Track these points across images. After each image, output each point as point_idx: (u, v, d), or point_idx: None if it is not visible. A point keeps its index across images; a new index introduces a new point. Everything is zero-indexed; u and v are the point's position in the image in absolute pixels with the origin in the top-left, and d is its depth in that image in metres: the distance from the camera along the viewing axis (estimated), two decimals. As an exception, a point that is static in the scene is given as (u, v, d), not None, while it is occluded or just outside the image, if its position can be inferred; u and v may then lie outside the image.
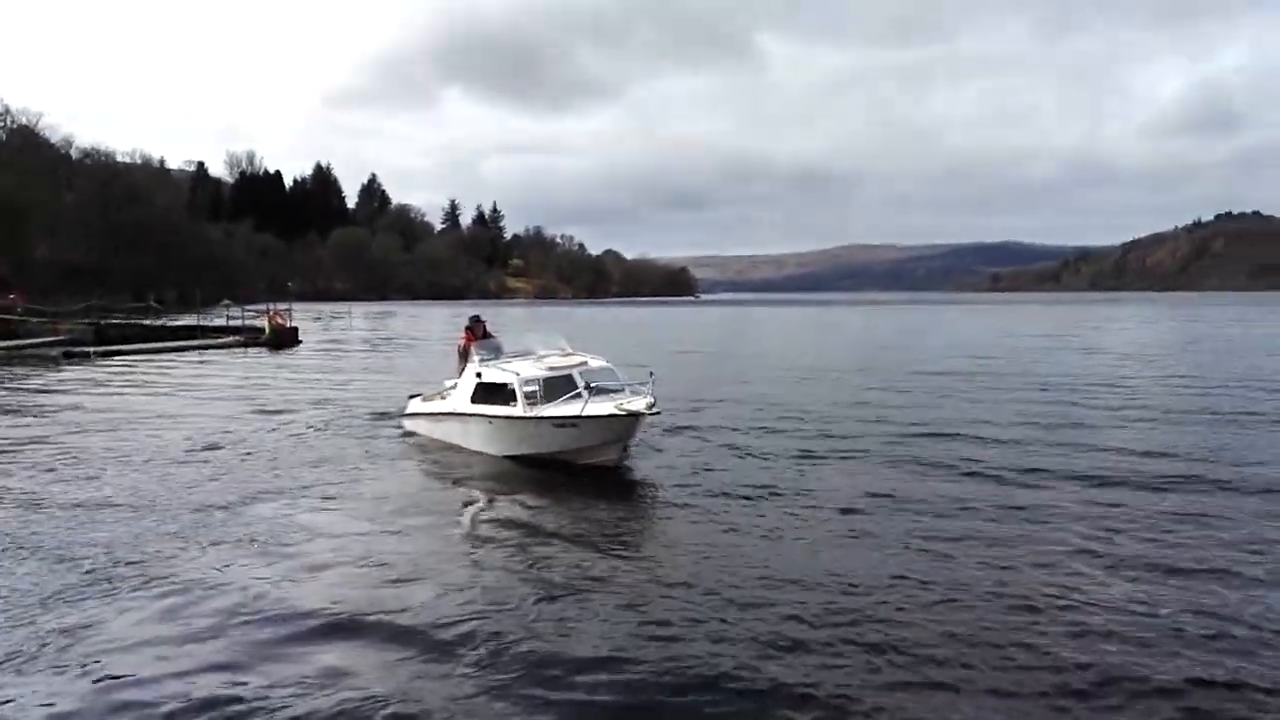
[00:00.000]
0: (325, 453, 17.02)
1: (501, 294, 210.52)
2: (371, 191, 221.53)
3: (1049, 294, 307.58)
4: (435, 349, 49.41)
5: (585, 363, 15.81)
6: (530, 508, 12.80)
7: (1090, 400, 23.85)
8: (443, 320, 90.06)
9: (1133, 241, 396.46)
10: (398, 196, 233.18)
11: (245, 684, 7.32)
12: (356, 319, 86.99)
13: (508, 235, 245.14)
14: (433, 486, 14.52)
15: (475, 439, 16.05)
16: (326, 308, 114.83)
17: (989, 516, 11.86)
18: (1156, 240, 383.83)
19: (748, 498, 13.01)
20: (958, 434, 18.18)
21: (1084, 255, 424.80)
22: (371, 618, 8.62)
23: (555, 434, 14.66)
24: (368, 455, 16.73)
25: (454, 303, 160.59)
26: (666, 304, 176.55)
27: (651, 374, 14.86)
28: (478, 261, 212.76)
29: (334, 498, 13.45)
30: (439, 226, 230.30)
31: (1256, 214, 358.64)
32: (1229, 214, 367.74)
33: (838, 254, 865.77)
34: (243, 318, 57.47)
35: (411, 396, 19.33)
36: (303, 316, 68.16)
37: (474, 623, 8.49)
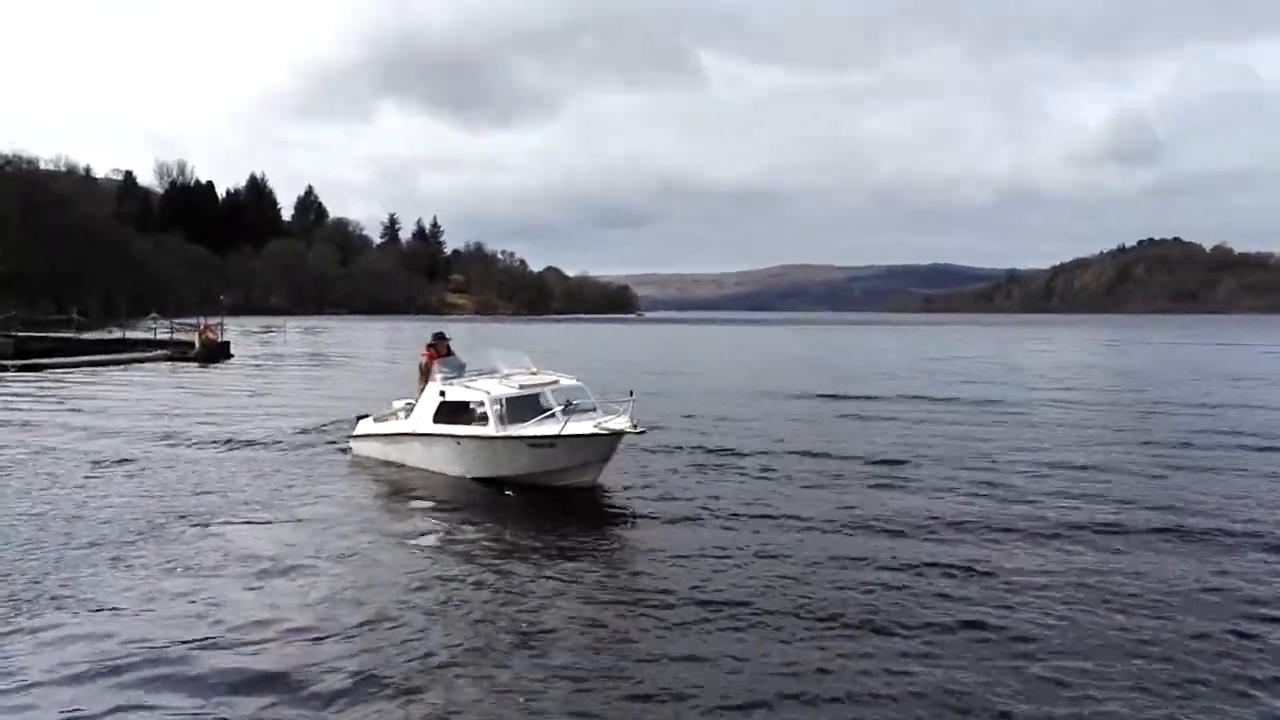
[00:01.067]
0: (260, 471, 16.32)
1: (442, 310, 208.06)
2: (308, 204, 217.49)
3: (982, 314, 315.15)
4: (373, 365, 48.41)
5: (556, 381, 15.27)
6: (493, 530, 12.29)
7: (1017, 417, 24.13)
8: (381, 336, 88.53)
9: (1060, 265, 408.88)
10: (335, 210, 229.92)
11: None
12: (292, 334, 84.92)
13: (448, 250, 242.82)
14: (378, 507, 13.95)
15: (440, 460, 15.35)
16: (260, 321, 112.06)
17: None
18: (1082, 264, 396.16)
19: (722, 516, 12.79)
20: (899, 461, 18.12)
21: (1015, 278, 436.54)
22: (294, 652, 8.05)
23: (531, 454, 14.09)
24: (307, 475, 16.08)
25: (393, 318, 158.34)
26: (610, 321, 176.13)
27: (631, 393, 14.34)
28: (418, 276, 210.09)
29: (268, 520, 12.79)
30: (378, 240, 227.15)
31: (1176, 240, 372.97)
32: (1150, 240, 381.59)
33: (777, 273, 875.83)
34: (172, 331, 55.59)
35: (360, 417, 18.38)
36: (236, 330, 66.31)
37: (416, 661, 7.99)
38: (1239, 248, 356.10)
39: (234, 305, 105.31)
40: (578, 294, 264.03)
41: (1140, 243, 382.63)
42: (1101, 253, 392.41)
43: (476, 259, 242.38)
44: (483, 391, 14.71)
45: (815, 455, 17.57)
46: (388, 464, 16.49)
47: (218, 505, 13.61)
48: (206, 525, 12.39)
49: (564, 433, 13.53)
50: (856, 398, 29.17)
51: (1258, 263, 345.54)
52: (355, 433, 17.91)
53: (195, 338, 51.15)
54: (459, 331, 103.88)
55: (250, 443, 19.44)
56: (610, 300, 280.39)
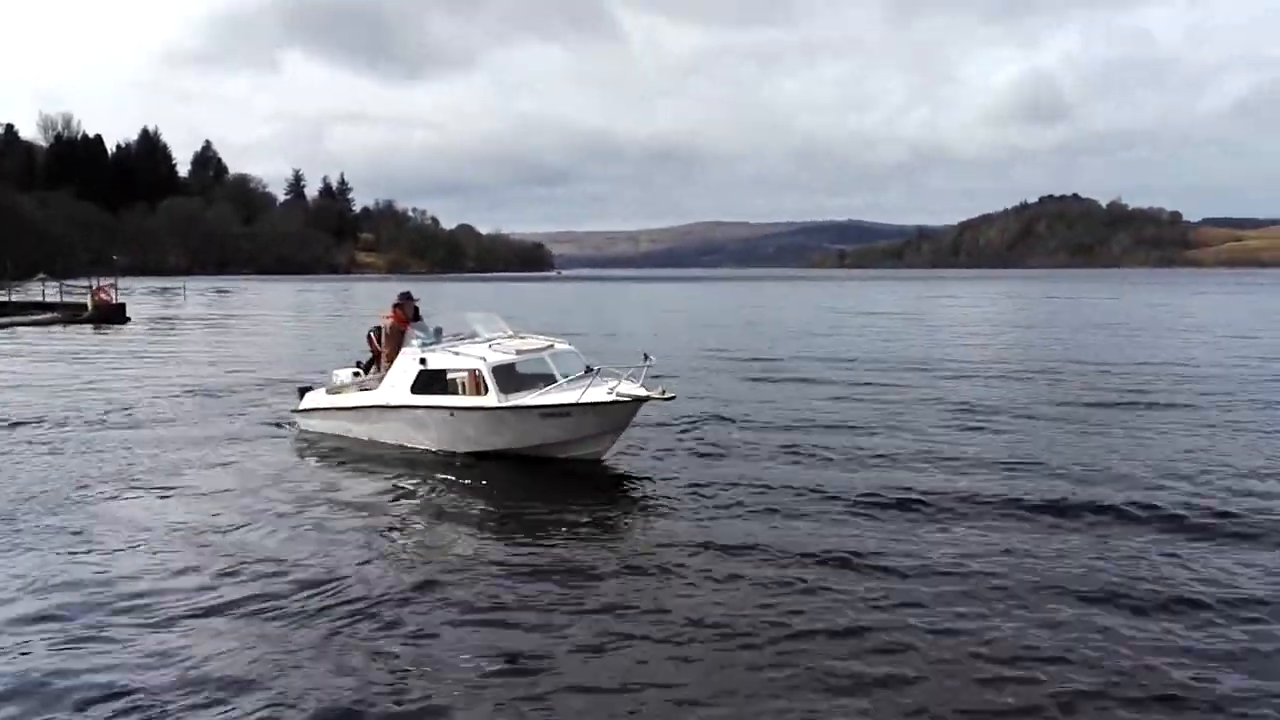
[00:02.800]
0: (169, 438, 15.35)
1: (352, 269, 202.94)
2: (206, 160, 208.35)
3: (894, 270, 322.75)
4: (282, 328, 46.65)
5: (552, 345, 14.12)
6: (489, 503, 11.44)
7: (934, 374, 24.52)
8: (287, 297, 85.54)
9: (968, 221, 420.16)
10: (237, 166, 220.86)
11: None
12: (191, 295, 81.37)
13: (357, 208, 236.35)
14: (334, 477, 12.91)
15: (425, 434, 13.95)
16: (158, 282, 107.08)
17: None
18: (988, 220, 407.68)
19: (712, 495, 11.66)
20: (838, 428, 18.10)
21: (924, 234, 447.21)
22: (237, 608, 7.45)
23: (541, 425, 12.92)
24: (228, 438, 15.21)
25: (300, 278, 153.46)
26: (526, 279, 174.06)
27: (647, 357, 12.90)
28: (326, 235, 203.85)
29: (186, 488, 12.05)
30: (282, 198, 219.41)
31: (1075, 196, 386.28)
32: (1051, 196, 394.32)
33: (693, 230, 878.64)
34: (61, 293, 52.60)
35: (303, 389, 16.56)
36: (131, 292, 63.09)
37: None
38: (1133, 204, 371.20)
39: (129, 266, 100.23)
40: (492, 252, 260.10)
41: (1041, 199, 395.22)
42: (1006, 209, 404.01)
43: (387, 217, 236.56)
44: (477, 358, 13.36)
45: (754, 425, 16.33)
46: (349, 440, 14.95)
47: (122, 473, 12.71)
48: (117, 494, 11.55)
49: (584, 400, 12.42)
50: (783, 360, 29.20)
51: (1149, 218, 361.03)
52: (302, 406, 16.07)
53: (88, 300, 48.56)
54: (370, 291, 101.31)
55: (159, 409, 18.32)
56: (525, 258, 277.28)
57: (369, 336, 16.08)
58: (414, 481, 12.64)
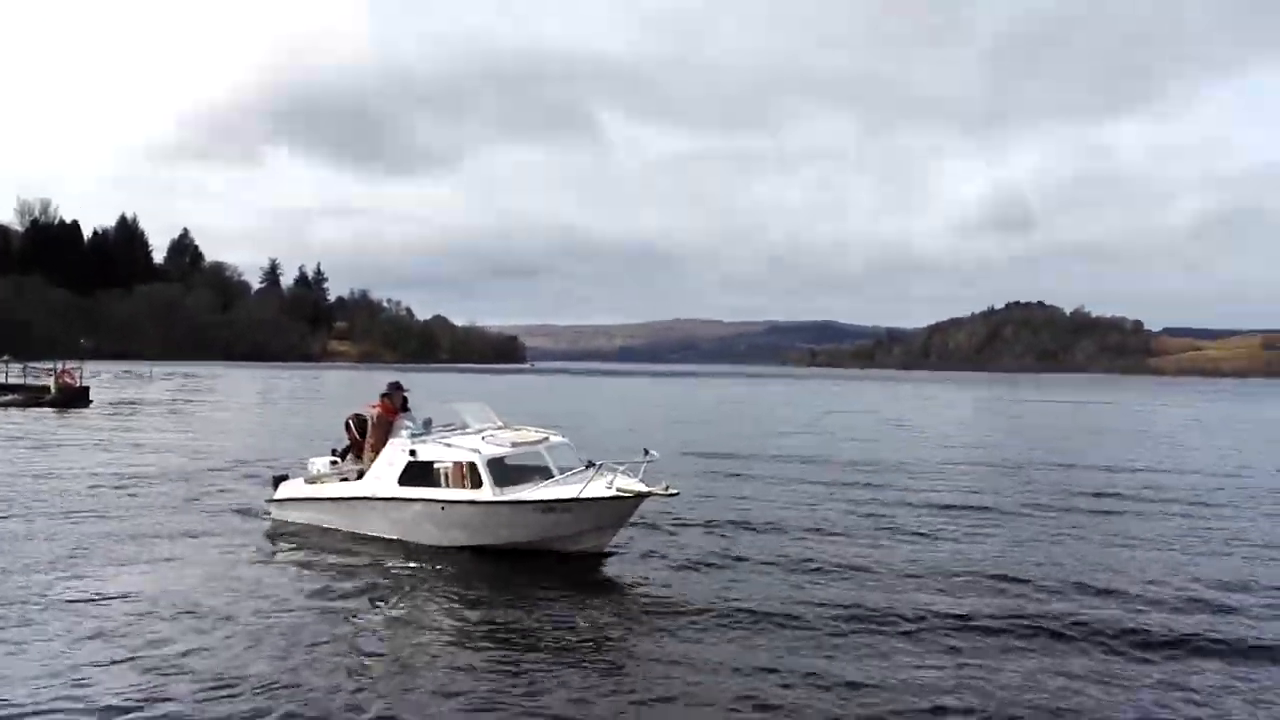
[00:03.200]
0: (123, 524, 15.13)
1: (324, 357, 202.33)
2: (183, 247, 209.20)
3: (865, 370, 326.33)
4: (246, 415, 46.19)
5: (547, 438, 13.92)
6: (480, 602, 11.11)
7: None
8: (255, 384, 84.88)
9: (937, 324, 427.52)
10: (218, 255, 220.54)
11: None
12: (158, 379, 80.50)
13: (332, 297, 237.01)
14: (309, 575, 12.37)
15: (414, 527, 13.57)
16: (127, 366, 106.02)
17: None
18: (956, 324, 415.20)
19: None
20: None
21: (895, 336, 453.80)
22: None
23: (543, 520, 12.68)
24: (188, 530, 14.84)
25: (272, 366, 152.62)
26: (499, 372, 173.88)
27: (647, 452, 12.79)
28: (300, 324, 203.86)
29: (136, 583, 11.70)
30: (257, 286, 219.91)
31: (1041, 304, 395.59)
32: (1018, 303, 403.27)
33: (668, 327, 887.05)
34: (25, 375, 51.96)
35: (278, 479, 16.19)
36: (99, 376, 62.42)
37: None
38: (1096, 311, 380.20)
39: (101, 351, 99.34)
40: (466, 344, 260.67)
41: (1008, 305, 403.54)
42: (974, 314, 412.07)
43: (361, 306, 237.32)
44: (470, 450, 13.07)
45: (737, 525, 16.02)
46: (327, 530, 14.58)
47: (70, 557, 12.42)
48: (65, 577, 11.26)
49: (585, 496, 12.20)
50: (760, 458, 29.22)
51: (1112, 326, 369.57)
52: (277, 496, 15.70)
53: (51, 382, 47.97)
54: (340, 380, 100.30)
55: (115, 494, 18.01)
56: (499, 350, 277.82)
57: (347, 424, 15.58)
58: (398, 578, 12.20)
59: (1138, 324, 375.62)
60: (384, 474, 13.87)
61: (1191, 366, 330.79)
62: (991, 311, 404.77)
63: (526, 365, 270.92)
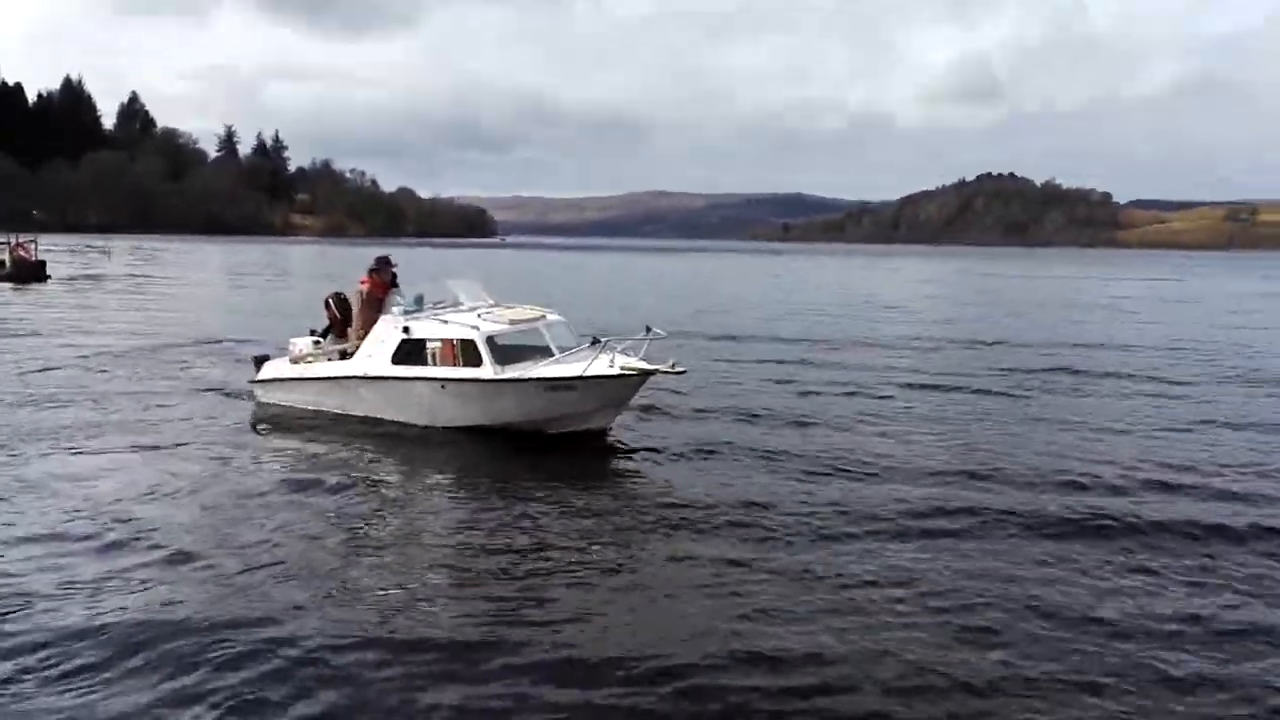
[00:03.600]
0: (100, 409, 14.33)
1: (287, 231, 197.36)
2: (133, 113, 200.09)
3: (836, 244, 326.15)
4: (220, 291, 44.81)
5: (544, 315, 13.49)
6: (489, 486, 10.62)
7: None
8: (220, 259, 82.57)
9: (908, 197, 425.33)
10: (164, 120, 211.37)
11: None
12: (117, 254, 77.96)
13: (292, 168, 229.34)
14: (299, 454, 12.09)
15: (409, 408, 13.19)
16: (78, 240, 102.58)
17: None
18: (927, 196, 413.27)
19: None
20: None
21: (865, 208, 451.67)
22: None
23: (543, 399, 12.34)
24: (161, 414, 14.09)
25: (232, 239, 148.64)
26: (472, 246, 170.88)
27: (649, 329, 12.41)
28: (259, 195, 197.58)
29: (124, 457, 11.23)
30: (213, 155, 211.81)
31: (1011, 175, 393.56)
32: (989, 174, 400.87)
33: (637, 200, 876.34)
34: (-26, 250, 49.74)
35: (259, 359, 15.45)
36: (51, 250, 60.10)
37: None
38: (1067, 183, 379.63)
39: (47, 223, 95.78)
40: (433, 217, 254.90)
41: (979, 177, 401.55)
42: (944, 186, 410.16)
43: (324, 178, 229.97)
44: (469, 327, 12.66)
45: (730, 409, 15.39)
46: (314, 411, 14.11)
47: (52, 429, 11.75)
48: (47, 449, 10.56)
49: (590, 374, 11.85)
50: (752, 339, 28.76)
51: (1081, 198, 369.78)
52: (260, 377, 15.07)
53: (4, 257, 46.00)
54: (306, 255, 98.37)
55: (95, 365, 17.14)
56: (468, 224, 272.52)
57: (327, 303, 14.92)
58: (389, 463, 11.83)
59: (1106, 196, 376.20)
60: (376, 352, 13.35)
61: (1155, 239, 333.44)
62: (963, 183, 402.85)
63: (497, 239, 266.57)
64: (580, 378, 11.95)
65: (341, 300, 14.74)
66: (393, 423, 13.27)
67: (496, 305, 13.95)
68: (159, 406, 14.64)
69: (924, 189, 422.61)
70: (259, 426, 13.73)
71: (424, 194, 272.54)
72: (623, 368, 11.89)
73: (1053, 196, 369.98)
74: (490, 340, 12.50)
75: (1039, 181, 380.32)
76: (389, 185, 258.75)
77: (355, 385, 13.64)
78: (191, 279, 53.07)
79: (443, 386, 12.79)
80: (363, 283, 14.41)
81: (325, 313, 15.05)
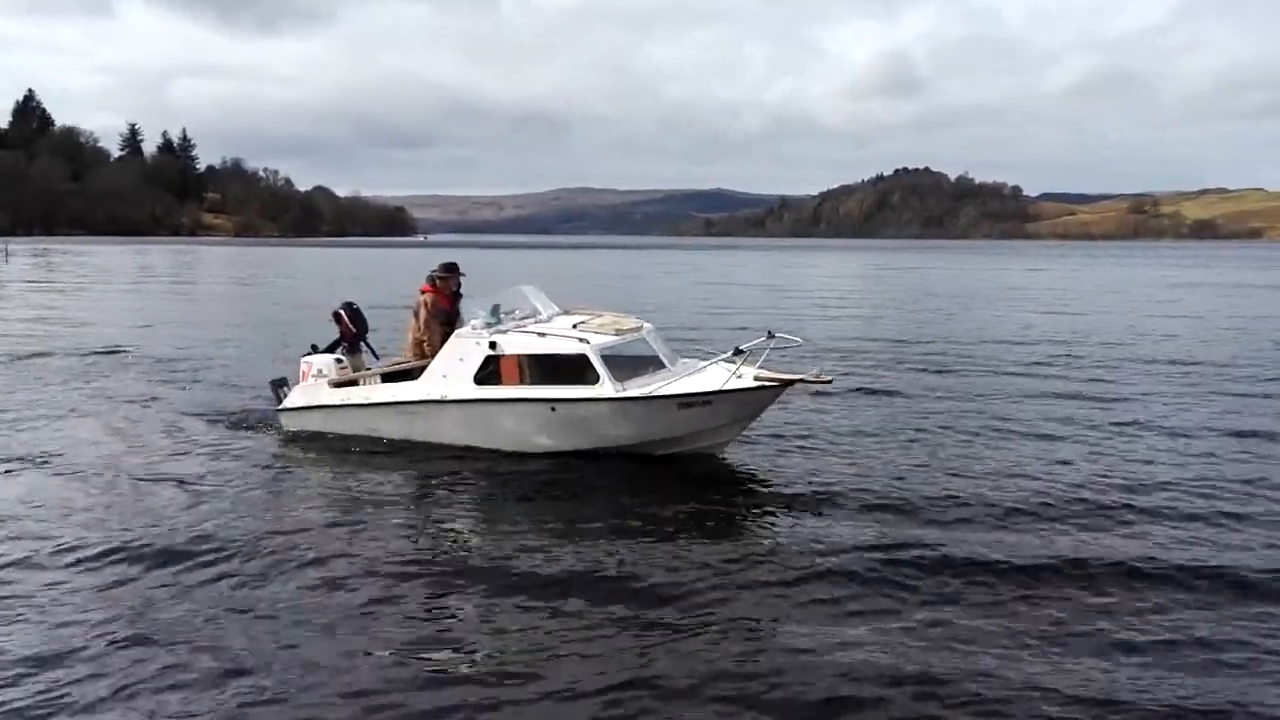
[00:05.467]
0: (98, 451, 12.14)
1: (197, 231, 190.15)
2: (28, 110, 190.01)
3: (758, 239, 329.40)
4: (143, 297, 42.03)
5: (643, 325, 12.24)
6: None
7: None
8: (129, 260, 78.37)
9: (827, 192, 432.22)
10: (65, 119, 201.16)
11: None
12: (17, 256, 73.32)
13: (201, 167, 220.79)
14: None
15: (503, 433, 11.71)
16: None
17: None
18: (847, 191, 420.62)
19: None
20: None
21: (786, 204, 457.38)
22: None
23: (674, 418, 11.10)
24: (176, 453, 12.00)
25: (139, 240, 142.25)
26: (392, 245, 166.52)
27: (771, 334, 10.97)
28: (165, 195, 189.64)
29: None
30: (117, 154, 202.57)
31: (927, 170, 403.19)
32: (905, 169, 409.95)
33: (559, 197, 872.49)
34: None
35: (278, 383, 13.59)
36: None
37: None
38: (979, 177, 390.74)
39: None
40: (351, 216, 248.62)
41: (896, 172, 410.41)
42: (863, 181, 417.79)
43: (235, 176, 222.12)
44: (575, 340, 11.30)
45: None
46: (369, 440, 12.33)
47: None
48: None
49: (730, 387, 10.67)
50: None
51: (993, 192, 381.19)
52: (292, 404, 13.09)
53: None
54: (222, 256, 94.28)
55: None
56: (387, 222, 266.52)
57: (339, 315, 13.18)
58: (492, 497, 10.41)
59: (1017, 189, 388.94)
60: (453, 371, 11.78)
61: (1065, 230, 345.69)
62: (880, 178, 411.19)
63: (419, 238, 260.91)
64: (719, 392, 10.74)
65: (355, 311, 13.20)
66: (470, 449, 11.75)
67: (576, 313, 12.49)
68: (174, 448, 12.35)
69: (844, 184, 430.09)
70: (314, 462, 11.90)
71: (341, 192, 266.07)
72: (756, 378, 10.76)
73: (967, 190, 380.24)
74: (606, 353, 11.18)
75: (953, 176, 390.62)
76: (306, 184, 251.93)
77: (429, 410, 12.03)
78: (112, 285, 49.79)
79: (553, 409, 11.33)
80: (425, 292, 12.74)
81: (337, 325, 13.23)
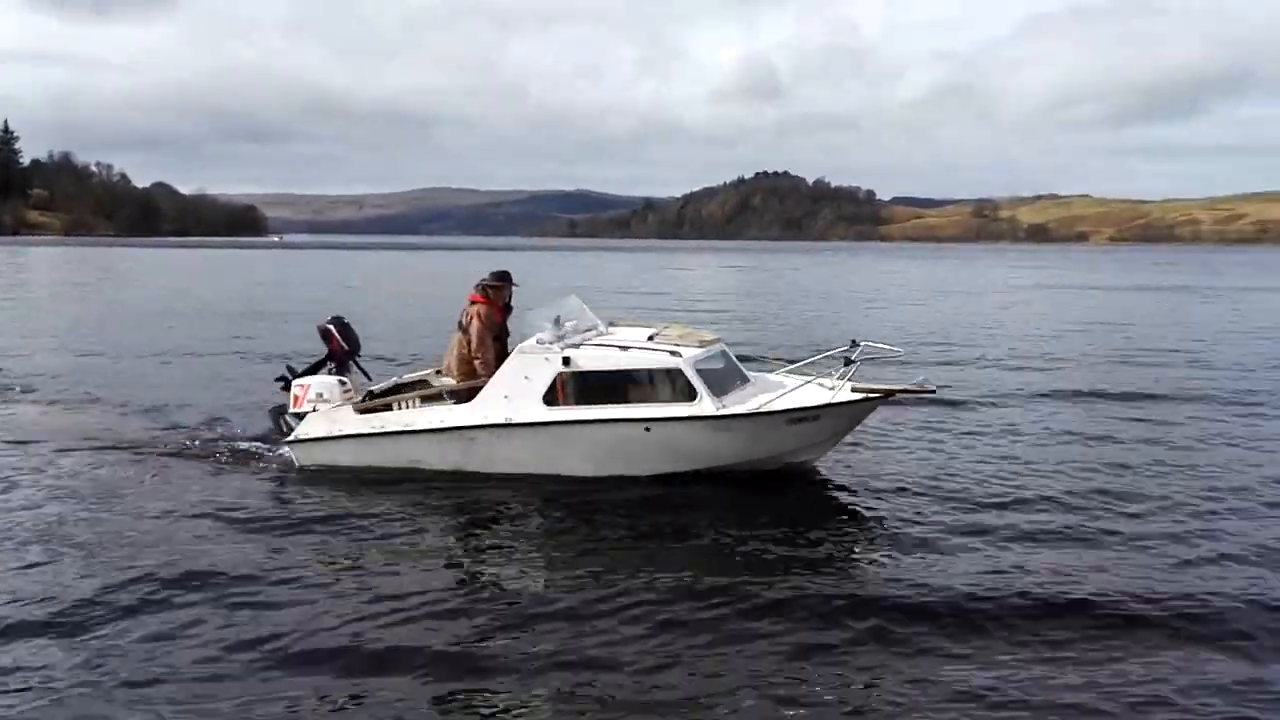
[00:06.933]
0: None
1: (21, 230, 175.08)
2: None
3: (623, 239, 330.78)
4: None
5: (718, 338, 11.48)
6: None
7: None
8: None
9: (691, 194, 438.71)
10: None
11: None
12: None
13: (25, 160, 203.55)
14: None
15: (580, 458, 10.56)
16: None
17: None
18: (709, 193, 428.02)
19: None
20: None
21: (650, 205, 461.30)
22: None
23: (780, 434, 10.43)
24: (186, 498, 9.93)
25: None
26: (243, 246, 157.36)
27: (856, 343, 10.53)
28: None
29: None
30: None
31: (786, 173, 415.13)
32: (765, 173, 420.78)
33: (420, 196, 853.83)
34: None
35: (278, 411, 11.87)
36: None
37: None
38: (835, 182, 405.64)
39: None
40: (195, 214, 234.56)
41: (757, 175, 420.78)
42: (726, 184, 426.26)
43: (64, 171, 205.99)
44: (666, 354, 10.38)
45: None
46: (403, 471, 10.85)
47: None
48: None
49: (839, 400, 10.20)
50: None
51: (849, 195, 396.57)
52: (309, 434, 11.24)
53: None
54: (54, 258, 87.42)
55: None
56: (235, 221, 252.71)
57: (328, 331, 11.80)
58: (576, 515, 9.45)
59: (870, 193, 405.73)
60: (516, 392, 10.55)
61: (915, 234, 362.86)
62: (741, 181, 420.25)
63: (273, 238, 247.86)
64: (827, 406, 10.23)
65: (345, 326, 11.90)
66: (533, 478, 10.54)
67: (621, 325, 11.64)
68: (177, 490, 10.24)
69: (707, 186, 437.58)
70: (362, 498, 10.15)
71: (186, 189, 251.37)
72: (853, 389, 10.34)
73: (824, 194, 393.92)
74: (700, 367, 10.34)
75: (811, 180, 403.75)
76: (145, 180, 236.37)
77: (489, 436, 10.67)
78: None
79: (647, 429, 10.34)
80: (475, 302, 11.31)
81: (327, 343, 11.81)
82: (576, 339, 10.79)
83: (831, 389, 10.39)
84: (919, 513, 9.56)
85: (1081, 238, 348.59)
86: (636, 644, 6.49)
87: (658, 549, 8.62)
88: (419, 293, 46.40)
